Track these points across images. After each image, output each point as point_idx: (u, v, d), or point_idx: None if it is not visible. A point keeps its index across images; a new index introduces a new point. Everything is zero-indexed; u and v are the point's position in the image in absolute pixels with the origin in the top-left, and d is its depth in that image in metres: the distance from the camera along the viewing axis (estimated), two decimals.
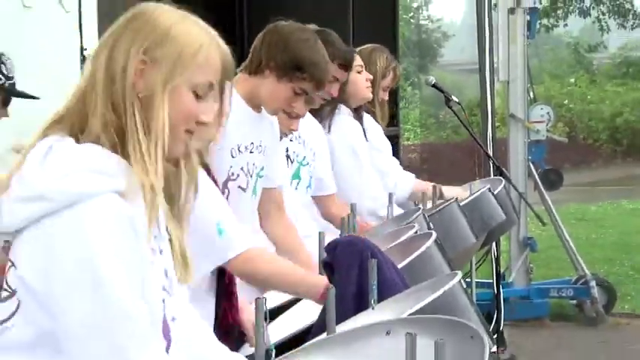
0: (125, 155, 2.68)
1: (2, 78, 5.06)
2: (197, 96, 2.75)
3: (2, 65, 5.07)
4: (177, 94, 2.72)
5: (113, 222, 2.58)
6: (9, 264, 2.66)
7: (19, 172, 2.66)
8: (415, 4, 41.61)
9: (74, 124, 2.71)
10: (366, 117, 6.57)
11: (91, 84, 2.72)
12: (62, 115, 2.75)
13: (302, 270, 4.25)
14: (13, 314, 2.65)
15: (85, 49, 6.11)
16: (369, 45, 6.87)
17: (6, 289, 2.66)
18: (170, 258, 2.79)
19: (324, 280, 4.10)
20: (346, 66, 5.94)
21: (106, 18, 6.66)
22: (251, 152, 4.73)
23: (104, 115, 2.68)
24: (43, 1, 9.13)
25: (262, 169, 4.83)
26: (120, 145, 2.68)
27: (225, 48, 2.81)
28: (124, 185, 2.63)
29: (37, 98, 5.22)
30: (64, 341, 2.60)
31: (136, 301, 2.58)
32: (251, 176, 4.76)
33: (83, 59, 6.05)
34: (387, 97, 6.90)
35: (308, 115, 5.37)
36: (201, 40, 2.75)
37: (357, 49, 6.60)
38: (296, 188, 5.74)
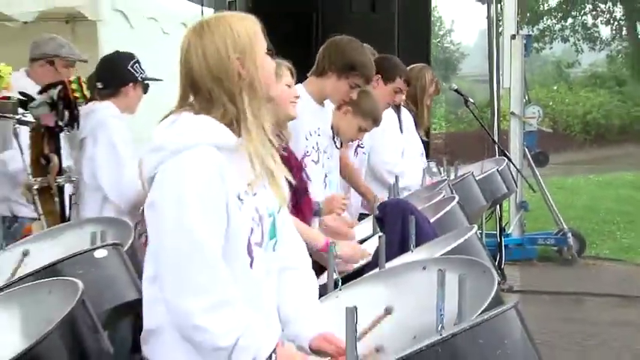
0: (237, 130, 2.65)
1: (142, 72, 5.10)
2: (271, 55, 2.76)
3: (140, 63, 5.11)
4: (264, 63, 2.71)
5: (204, 167, 2.56)
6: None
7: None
8: (442, 32, 41.41)
9: (195, 110, 2.68)
10: (406, 115, 6.42)
11: (203, 88, 2.66)
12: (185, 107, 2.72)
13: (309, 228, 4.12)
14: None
15: None
16: (419, 64, 6.68)
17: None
18: (266, 197, 2.72)
19: (324, 237, 4.06)
20: (408, 81, 5.90)
21: None
22: (318, 135, 4.70)
23: (224, 106, 2.65)
24: (177, 29, 9.15)
25: (326, 147, 4.79)
26: (235, 123, 2.65)
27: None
28: (223, 142, 2.61)
29: (161, 80, 5.23)
30: (158, 259, 2.60)
31: (211, 234, 2.54)
32: (320, 152, 4.73)
33: None
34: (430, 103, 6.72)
35: None
36: (252, 24, 2.73)
37: (410, 66, 6.48)
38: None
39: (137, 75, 5.06)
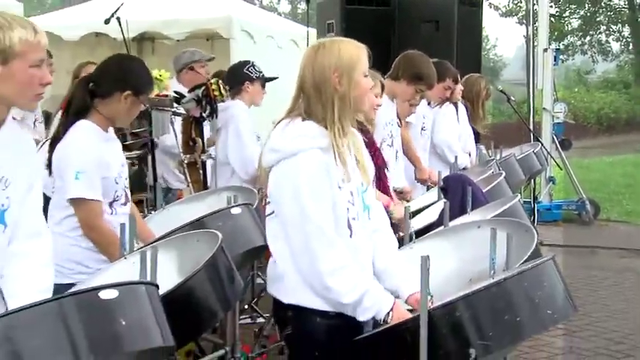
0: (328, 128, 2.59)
1: (259, 72, 5.03)
2: (365, 76, 2.64)
3: (254, 66, 5.05)
4: (359, 83, 2.61)
5: (315, 167, 2.52)
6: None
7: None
8: (488, 47, 40.78)
9: (302, 114, 2.62)
10: (462, 110, 6.27)
11: (308, 94, 2.59)
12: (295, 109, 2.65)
13: None
14: (272, 212, 2.63)
15: None
16: (476, 74, 6.58)
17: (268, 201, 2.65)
18: (355, 181, 2.63)
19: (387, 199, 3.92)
20: (456, 81, 5.78)
21: None
22: (392, 125, 4.61)
23: (319, 111, 2.58)
24: (288, 44, 9.17)
25: (396, 132, 4.69)
26: (328, 125, 2.58)
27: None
28: (325, 144, 2.55)
29: (277, 78, 5.20)
30: (289, 240, 2.56)
31: (325, 216, 2.50)
32: (393, 137, 4.64)
33: None
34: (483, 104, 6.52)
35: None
36: (358, 50, 2.63)
37: (468, 75, 6.33)
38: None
39: (252, 75, 5.02)
